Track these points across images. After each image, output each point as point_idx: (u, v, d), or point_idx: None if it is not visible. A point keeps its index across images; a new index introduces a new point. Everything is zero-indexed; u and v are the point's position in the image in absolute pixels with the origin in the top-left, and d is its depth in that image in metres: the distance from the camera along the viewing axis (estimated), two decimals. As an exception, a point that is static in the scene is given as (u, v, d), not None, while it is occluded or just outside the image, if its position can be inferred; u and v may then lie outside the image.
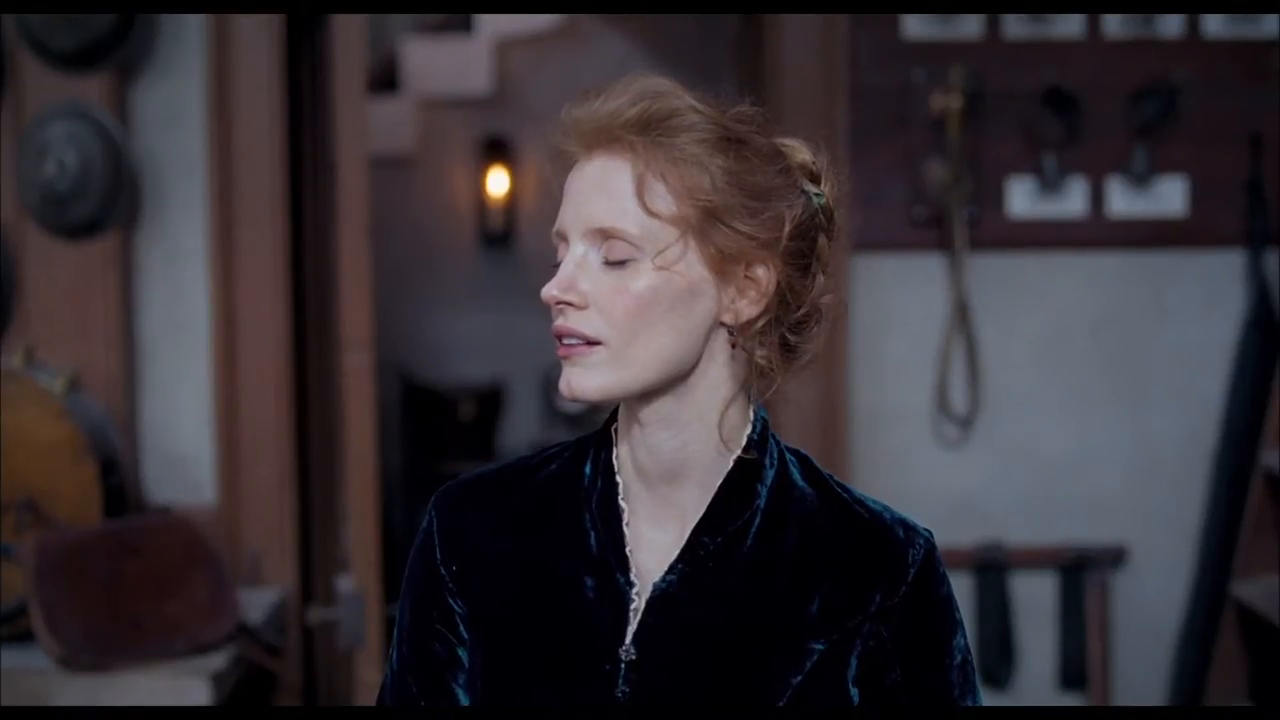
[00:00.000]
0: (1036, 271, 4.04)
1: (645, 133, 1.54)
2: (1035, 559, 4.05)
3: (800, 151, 1.62)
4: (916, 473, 4.00)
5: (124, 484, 3.36)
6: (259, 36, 3.62)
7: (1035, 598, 4.08)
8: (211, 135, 3.60)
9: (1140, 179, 3.98)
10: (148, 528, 3.24)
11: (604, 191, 1.54)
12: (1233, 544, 3.85)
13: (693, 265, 1.54)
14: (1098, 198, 4.01)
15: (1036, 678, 4.09)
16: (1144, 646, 4.09)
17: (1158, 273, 4.04)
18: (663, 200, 1.53)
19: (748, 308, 1.58)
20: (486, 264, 7.27)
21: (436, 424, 7.05)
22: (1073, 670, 4.06)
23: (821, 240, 1.61)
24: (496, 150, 7.19)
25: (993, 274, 4.02)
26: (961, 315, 3.99)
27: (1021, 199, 4.01)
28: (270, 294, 3.64)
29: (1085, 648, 4.05)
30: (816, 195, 1.60)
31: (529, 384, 7.18)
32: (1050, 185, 3.97)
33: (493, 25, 7.33)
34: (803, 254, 1.59)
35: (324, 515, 3.96)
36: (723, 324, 1.58)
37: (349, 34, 3.55)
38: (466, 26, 7.47)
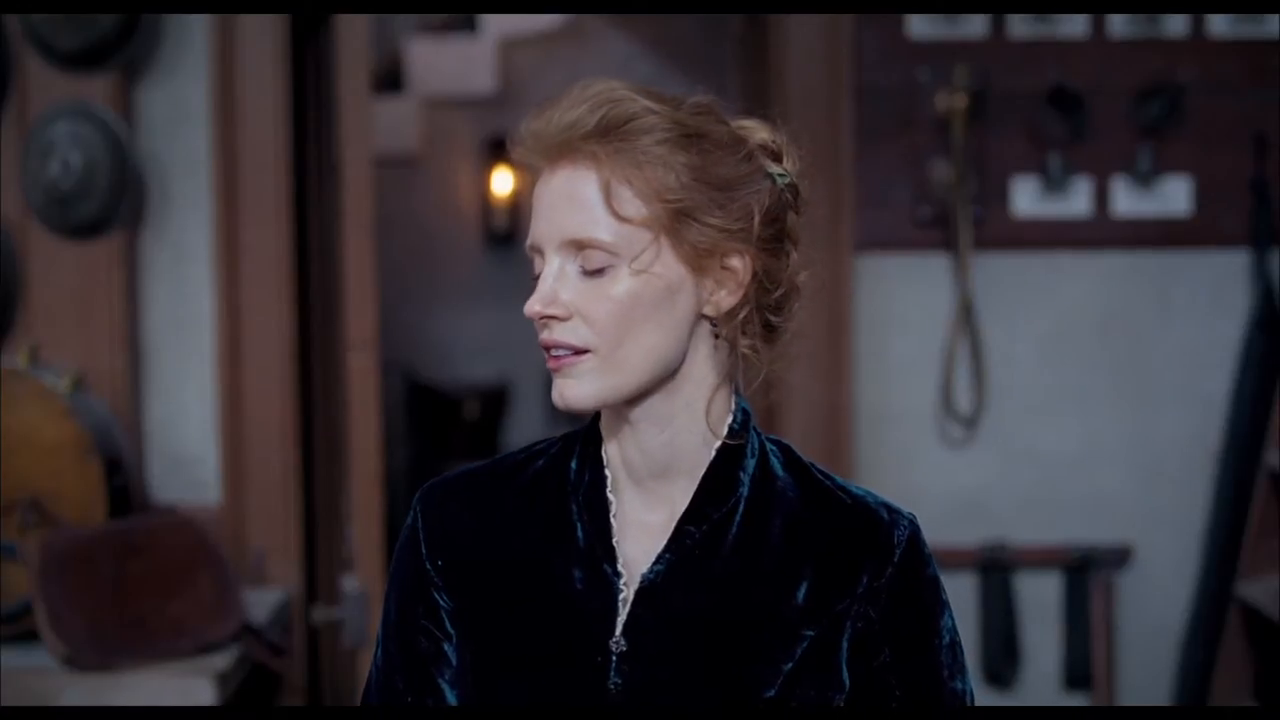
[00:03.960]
0: (1041, 271, 4.04)
1: (606, 140, 1.55)
2: (1040, 559, 4.05)
3: (759, 131, 1.63)
4: (921, 472, 4.00)
5: (129, 484, 3.36)
6: (264, 37, 3.62)
7: (1040, 597, 4.07)
8: (216, 135, 3.60)
9: (1145, 179, 3.98)
10: (152, 527, 3.24)
11: (573, 203, 1.56)
12: (1237, 544, 3.85)
13: (669, 264, 1.56)
14: (1102, 197, 4.01)
15: (1041, 678, 4.09)
16: (1149, 647, 4.09)
17: (1162, 272, 4.03)
18: (631, 205, 1.54)
19: (727, 298, 1.59)
20: (491, 263, 7.27)
21: (441, 423, 7.07)
22: (1077, 670, 4.06)
23: (790, 218, 1.62)
24: (501, 150, 7.20)
25: (997, 274, 4.01)
26: (966, 315, 3.99)
27: (1026, 199, 4.00)
28: (275, 294, 3.64)
29: (1090, 648, 4.05)
30: (780, 175, 1.61)
31: (533, 383, 7.18)
32: (1055, 185, 3.97)
33: (497, 25, 7.34)
34: (775, 237, 1.60)
35: (328, 515, 3.96)
36: (704, 317, 1.59)
37: (353, 34, 3.56)
38: (471, 26, 7.48)
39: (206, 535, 3.28)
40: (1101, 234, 4.02)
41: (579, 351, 1.56)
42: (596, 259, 1.55)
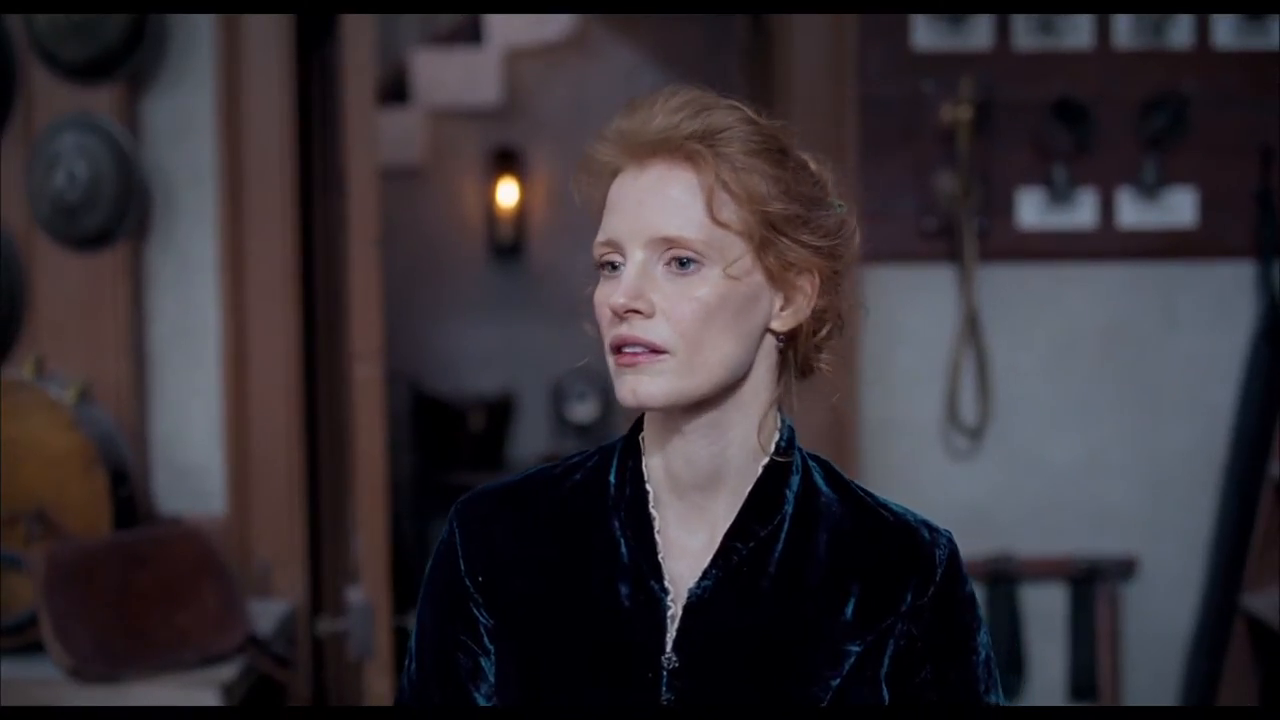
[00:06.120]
0: (1046, 282, 4.04)
1: (708, 143, 1.55)
2: (1045, 570, 4.04)
3: (810, 161, 1.64)
4: (926, 483, 4.00)
5: (134, 495, 3.36)
6: (269, 47, 3.63)
7: (1045, 609, 4.07)
8: (221, 146, 3.61)
9: (1150, 190, 3.98)
10: (158, 538, 3.24)
11: (666, 201, 1.55)
12: (1243, 555, 3.84)
13: (753, 273, 1.57)
14: (1107, 209, 4.01)
15: (1046, 689, 4.09)
16: (1154, 658, 4.08)
17: (1167, 284, 4.03)
18: (728, 209, 1.55)
19: (796, 315, 1.60)
20: (496, 275, 7.27)
21: (446, 435, 7.06)
22: (1083, 681, 4.05)
23: (846, 248, 1.63)
24: (506, 161, 7.19)
25: (1002, 285, 4.01)
26: (971, 326, 3.99)
27: (1031, 210, 4.00)
28: (280, 304, 3.64)
29: (1095, 659, 4.05)
30: (840, 206, 1.63)
31: (538, 395, 7.17)
32: (1060, 196, 3.97)
33: (502, 36, 7.33)
34: (840, 262, 1.62)
35: (334, 526, 3.96)
36: (770, 331, 1.60)
37: (359, 45, 3.56)
38: (476, 37, 7.48)
39: (212, 546, 3.28)
40: (1106, 245, 4.02)
41: (656, 351, 1.55)
42: (684, 259, 1.55)
